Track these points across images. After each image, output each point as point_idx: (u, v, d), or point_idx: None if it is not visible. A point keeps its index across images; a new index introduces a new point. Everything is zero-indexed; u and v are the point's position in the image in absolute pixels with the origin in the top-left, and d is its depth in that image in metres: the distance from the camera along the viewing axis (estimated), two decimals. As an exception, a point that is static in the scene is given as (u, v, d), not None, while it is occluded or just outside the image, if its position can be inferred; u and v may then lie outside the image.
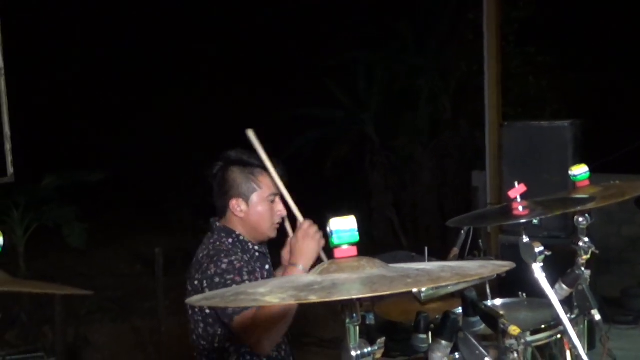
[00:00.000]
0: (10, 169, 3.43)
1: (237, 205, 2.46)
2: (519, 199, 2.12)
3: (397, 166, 8.45)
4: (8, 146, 3.47)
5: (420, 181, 8.22)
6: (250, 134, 2.44)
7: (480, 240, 2.76)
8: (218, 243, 2.45)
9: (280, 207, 2.49)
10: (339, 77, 8.78)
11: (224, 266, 2.34)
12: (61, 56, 10.57)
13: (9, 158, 3.43)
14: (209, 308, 2.36)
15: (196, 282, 2.38)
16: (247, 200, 2.46)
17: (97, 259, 8.17)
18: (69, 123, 10.94)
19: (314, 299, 1.19)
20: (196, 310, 2.41)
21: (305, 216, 2.52)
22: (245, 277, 2.34)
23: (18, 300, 5.67)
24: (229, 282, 2.32)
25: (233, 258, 2.37)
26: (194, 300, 1.42)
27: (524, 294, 2.35)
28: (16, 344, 5.41)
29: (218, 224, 2.51)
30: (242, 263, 2.38)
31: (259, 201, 2.47)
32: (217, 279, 2.33)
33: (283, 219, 2.50)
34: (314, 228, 2.39)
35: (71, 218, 5.99)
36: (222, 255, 2.38)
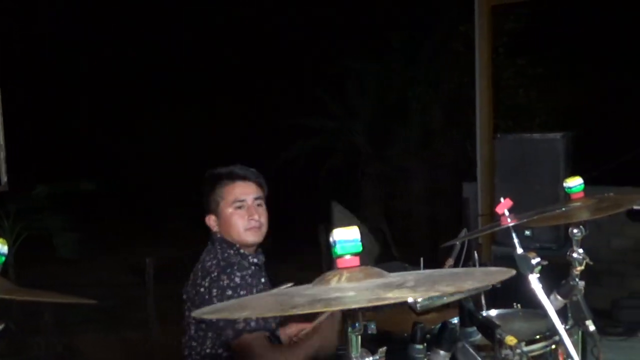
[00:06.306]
0: (4, 178, 3.42)
1: (210, 221, 2.50)
2: (506, 213, 2.04)
3: (388, 176, 8.47)
4: (2, 155, 3.45)
5: (412, 192, 8.25)
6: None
7: (475, 252, 2.78)
8: (226, 254, 2.46)
9: (252, 212, 2.46)
10: (331, 87, 8.81)
11: (237, 280, 2.36)
12: (55, 63, 10.54)
13: (3, 167, 3.42)
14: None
15: (202, 289, 2.38)
16: (215, 213, 2.49)
17: (87, 269, 8.10)
18: (62, 130, 10.89)
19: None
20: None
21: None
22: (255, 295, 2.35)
23: (6, 309, 5.61)
24: (241, 297, 2.32)
25: (244, 273, 2.39)
26: (201, 312, 1.41)
27: (519, 305, 2.36)
28: (5, 354, 5.36)
29: (219, 235, 2.52)
30: (254, 280, 2.40)
31: (223, 210, 2.47)
32: (229, 292, 2.33)
33: None
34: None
35: (62, 227, 5.95)
36: (235, 268, 2.39)
